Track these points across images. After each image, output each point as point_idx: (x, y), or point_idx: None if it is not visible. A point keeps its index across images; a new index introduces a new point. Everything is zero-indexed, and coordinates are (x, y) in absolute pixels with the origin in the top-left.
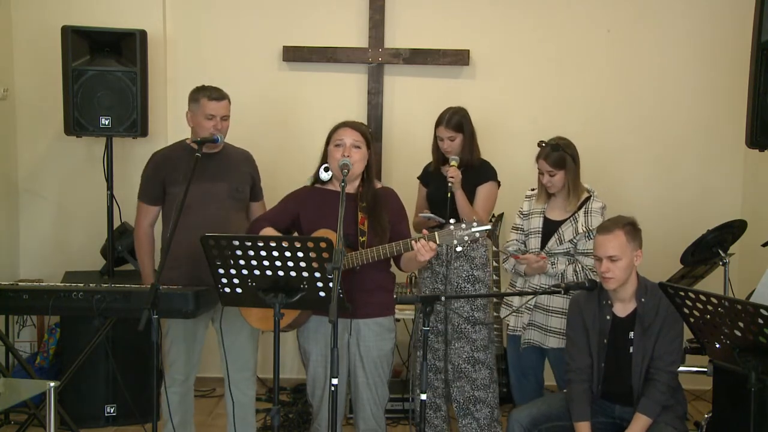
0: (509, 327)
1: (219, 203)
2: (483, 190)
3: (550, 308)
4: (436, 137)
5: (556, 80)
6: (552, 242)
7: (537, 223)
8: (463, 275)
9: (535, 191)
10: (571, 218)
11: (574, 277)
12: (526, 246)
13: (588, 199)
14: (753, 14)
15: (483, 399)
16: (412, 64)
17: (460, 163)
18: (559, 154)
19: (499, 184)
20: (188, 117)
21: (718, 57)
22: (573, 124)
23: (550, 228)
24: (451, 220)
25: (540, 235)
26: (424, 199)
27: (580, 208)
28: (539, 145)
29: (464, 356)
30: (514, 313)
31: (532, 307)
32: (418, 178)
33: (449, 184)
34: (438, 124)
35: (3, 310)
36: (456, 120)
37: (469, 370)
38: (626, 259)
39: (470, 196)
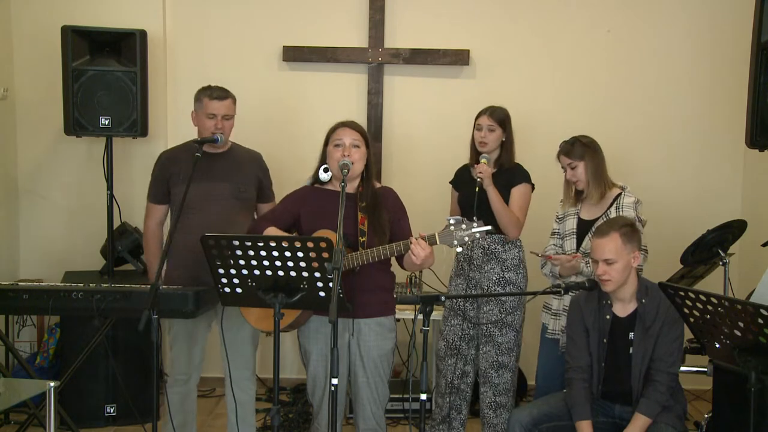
0: (548, 330)
1: (221, 203)
2: (517, 192)
3: None
4: (474, 130)
5: (556, 80)
6: (586, 241)
7: (572, 224)
8: (494, 278)
9: (564, 197)
10: (603, 216)
11: None
12: (563, 249)
13: (619, 195)
14: (753, 14)
15: (503, 404)
16: (412, 64)
17: (496, 165)
18: (574, 145)
19: (533, 187)
20: (193, 117)
21: (718, 57)
22: (572, 124)
23: (583, 228)
24: (452, 219)
25: (575, 236)
26: (456, 204)
27: (611, 204)
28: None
29: (490, 360)
30: (552, 317)
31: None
32: (450, 182)
33: (477, 179)
34: (480, 114)
35: (3, 310)
36: (500, 113)
37: (493, 375)
38: (622, 261)
39: (505, 198)
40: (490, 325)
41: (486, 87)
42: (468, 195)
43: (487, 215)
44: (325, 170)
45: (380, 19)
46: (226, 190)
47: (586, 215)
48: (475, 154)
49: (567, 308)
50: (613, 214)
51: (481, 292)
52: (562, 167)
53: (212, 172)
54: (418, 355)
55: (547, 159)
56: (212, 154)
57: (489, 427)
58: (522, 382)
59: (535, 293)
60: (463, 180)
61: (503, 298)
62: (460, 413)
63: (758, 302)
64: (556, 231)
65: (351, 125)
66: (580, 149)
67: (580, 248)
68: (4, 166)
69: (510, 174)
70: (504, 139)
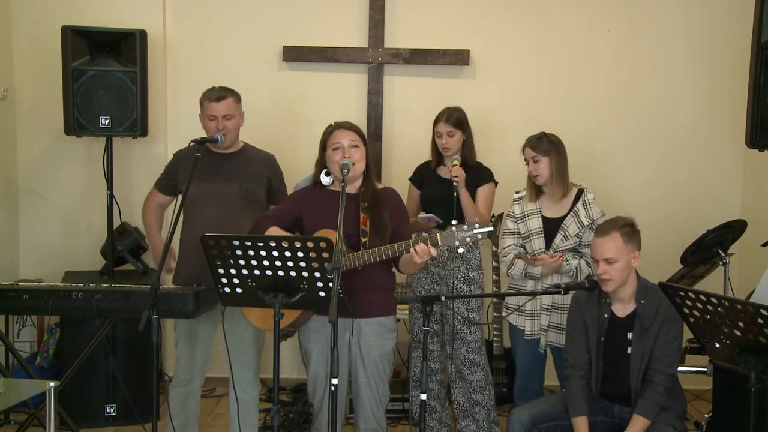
0: (526, 332)
1: (226, 203)
2: (484, 191)
3: (566, 307)
4: (434, 135)
5: (556, 80)
6: (558, 239)
7: (536, 223)
8: (459, 276)
9: (522, 193)
10: (572, 213)
11: (589, 269)
12: (526, 249)
13: (581, 192)
14: (753, 14)
15: (480, 401)
16: (412, 64)
17: (461, 163)
18: (542, 140)
19: (496, 184)
20: (201, 120)
21: (718, 57)
22: (572, 124)
23: (550, 226)
24: (453, 221)
25: (543, 235)
26: (417, 201)
27: (576, 201)
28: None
29: (460, 358)
30: (528, 318)
31: (549, 307)
32: (409, 179)
33: (454, 184)
34: (437, 120)
35: (3, 310)
36: (456, 116)
37: (465, 372)
38: (623, 260)
39: (471, 198)
40: (457, 323)
41: (486, 87)
42: (435, 193)
43: (456, 215)
44: (327, 174)
45: (380, 19)
46: (232, 190)
47: (550, 213)
48: (437, 156)
49: (547, 308)
50: (581, 210)
51: (447, 288)
52: (525, 160)
53: (220, 171)
54: None
55: None
56: (222, 154)
57: (471, 421)
58: None
59: (534, 293)
60: (426, 178)
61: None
62: (434, 412)
63: (758, 302)
64: (515, 230)
65: (346, 126)
66: (546, 145)
67: (552, 245)
68: (4, 166)
69: (475, 174)
70: (465, 139)
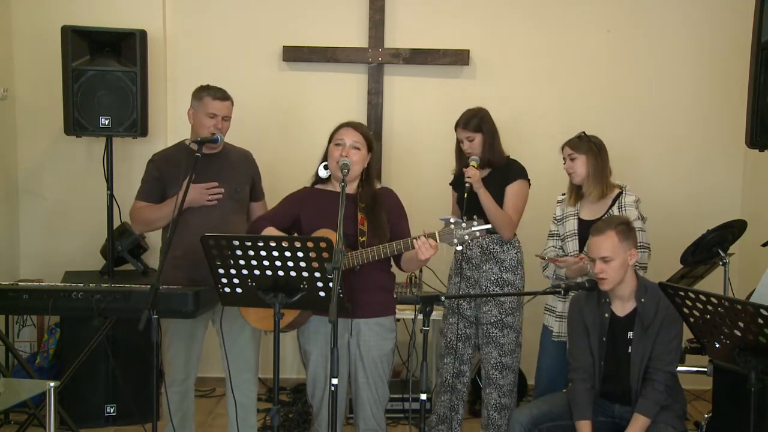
0: (553, 333)
1: (218, 204)
2: (512, 190)
3: None
4: (457, 140)
5: (556, 80)
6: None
7: (572, 225)
8: (492, 278)
9: (566, 196)
10: (606, 215)
11: None
12: (564, 250)
13: (620, 194)
14: (753, 14)
15: (507, 405)
16: (412, 64)
17: (483, 164)
18: (581, 139)
19: (529, 183)
20: (190, 115)
21: (717, 57)
22: (572, 124)
23: (585, 228)
24: (451, 219)
25: (577, 237)
26: (456, 205)
27: (613, 204)
28: None
29: (492, 362)
30: (557, 319)
31: None
32: (450, 184)
33: (466, 185)
34: (457, 126)
35: (3, 310)
36: (474, 122)
37: (497, 377)
38: (619, 259)
39: (500, 197)
40: (490, 326)
41: (486, 87)
42: (461, 197)
43: (482, 218)
44: (325, 167)
45: (380, 19)
46: (224, 192)
47: (587, 215)
48: (460, 160)
49: None
50: (615, 213)
51: (480, 292)
52: (563, 159)
53: (208, 172)
54: (418, 355)
55: (547, 159)
56: (208, 154)
57: (494, 428)
58: (522, 382)
59: (534, 293)
60: (458, 181)
61: (503, 300)
62: (458, 413)
63: (758, 302)
64: (555, 232)
65: (355, 126)
66: (585, 144)
67: (584, 249)
68: (4, 166)
69: (504, 172)
70: (486, 139)
